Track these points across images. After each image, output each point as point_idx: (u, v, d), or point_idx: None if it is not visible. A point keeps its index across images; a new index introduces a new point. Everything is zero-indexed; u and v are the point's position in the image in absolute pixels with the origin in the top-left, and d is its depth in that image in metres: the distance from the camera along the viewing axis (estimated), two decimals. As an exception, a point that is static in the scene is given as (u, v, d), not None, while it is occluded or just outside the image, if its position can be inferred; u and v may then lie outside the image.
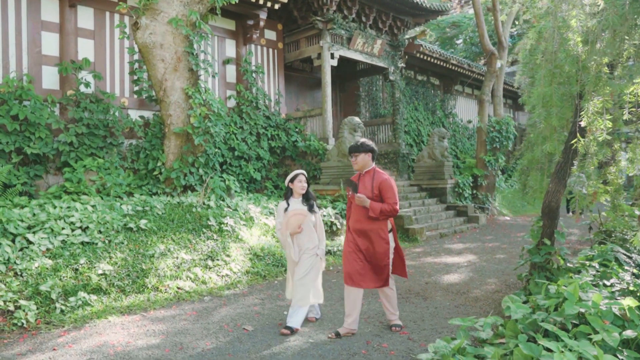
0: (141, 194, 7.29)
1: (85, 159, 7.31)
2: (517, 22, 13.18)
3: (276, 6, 9.76)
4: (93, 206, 6.20)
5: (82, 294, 4.63)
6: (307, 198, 4.15)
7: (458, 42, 24.90)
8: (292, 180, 4.16)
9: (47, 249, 5.16)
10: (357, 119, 9.70)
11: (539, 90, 3.35)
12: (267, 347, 3.65)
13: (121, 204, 6.46)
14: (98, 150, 7.60)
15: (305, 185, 4.15)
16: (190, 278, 5.52)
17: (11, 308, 4.25)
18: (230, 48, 10.33)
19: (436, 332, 4.01)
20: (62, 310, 4.44)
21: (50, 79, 7.66)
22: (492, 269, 6.59)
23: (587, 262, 4.32)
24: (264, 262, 6.47)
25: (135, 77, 8.45)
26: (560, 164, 4.20)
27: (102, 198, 6.76)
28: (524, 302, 3.51)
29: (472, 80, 17.01)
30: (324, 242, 4.20)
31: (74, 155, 7.32)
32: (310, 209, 4.12)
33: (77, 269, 5.00)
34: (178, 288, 5.29)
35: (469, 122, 18.37)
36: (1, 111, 6.67)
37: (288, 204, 4.13)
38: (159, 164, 7.38)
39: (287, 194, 4.18)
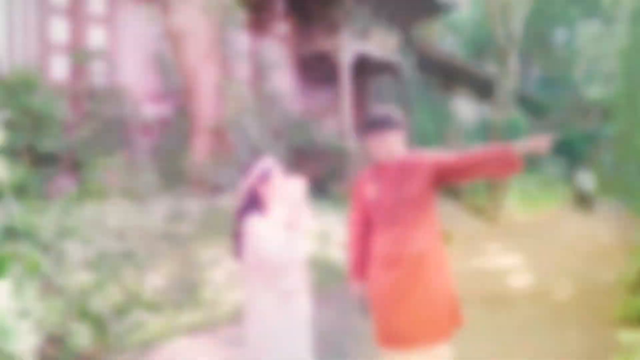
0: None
1: (100, 158, 6.54)
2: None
3: (295, -4, 9.22)
4: (124, 210, 5.50)
5: (136, 312, 3.97)
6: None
7: (447, 43, 24.91)
8: (264, 180, 2.27)
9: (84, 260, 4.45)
10: None
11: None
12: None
13: (151, 208, 5.78)
14: (114, 148, 6.84)
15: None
16: (247, 289, 4.91)
17: (60, 331, 3.56)
18: (243, 40, 9.69)
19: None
20: (118, 333, 3.77)
21: (60, 68, 6.84)
22: (549, 270, 6.27)
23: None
24: (313, 268, 5.91)
25: (154, 69, 7.70)
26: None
27: (128, 201, 6.03)
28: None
29: (474, 79, 16.90)
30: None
31: (89, 153, 6.54)
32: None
33: (123, 283, 4.31)
34: (237, 301, 4.68)
35: (469, 122, 18.30)
36: (10, 104, 5.85)
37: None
38: (188, 162, 6.69)
39: (250, 204, 2.28)
